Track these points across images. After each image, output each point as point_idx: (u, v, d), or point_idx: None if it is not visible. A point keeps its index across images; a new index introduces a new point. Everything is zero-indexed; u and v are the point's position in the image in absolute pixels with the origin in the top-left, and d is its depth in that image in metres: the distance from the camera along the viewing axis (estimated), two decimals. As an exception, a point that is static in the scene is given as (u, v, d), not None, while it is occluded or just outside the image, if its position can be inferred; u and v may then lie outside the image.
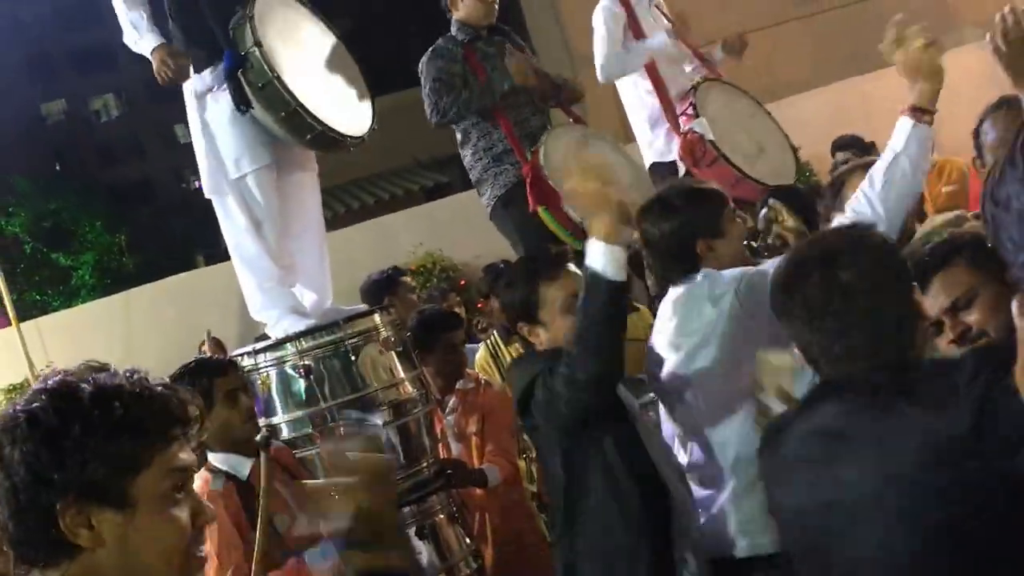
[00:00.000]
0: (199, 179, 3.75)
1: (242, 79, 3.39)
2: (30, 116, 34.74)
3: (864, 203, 2.51)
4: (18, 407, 1.32)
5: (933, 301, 2.02)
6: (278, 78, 3.34)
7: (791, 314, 1.86)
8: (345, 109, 3.68)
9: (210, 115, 3.57)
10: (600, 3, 5.02)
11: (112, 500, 1.30)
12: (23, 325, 8.64)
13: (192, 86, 3.61)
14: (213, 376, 2.93)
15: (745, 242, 2.90)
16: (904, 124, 2.54)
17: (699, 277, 2.65)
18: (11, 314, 8.51)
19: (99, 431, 1.30)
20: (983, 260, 1.97)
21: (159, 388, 1.36)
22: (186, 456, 1.37)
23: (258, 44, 3.35)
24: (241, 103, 3.42)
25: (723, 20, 10.71)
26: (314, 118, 3.40)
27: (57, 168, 31.41)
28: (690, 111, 4.54)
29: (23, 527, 1.30)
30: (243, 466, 2.92)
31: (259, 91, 3.38)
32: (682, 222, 2.68)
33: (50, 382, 1.34)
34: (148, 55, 3.61)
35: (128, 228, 23.26)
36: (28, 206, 20.78)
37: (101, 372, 1.36)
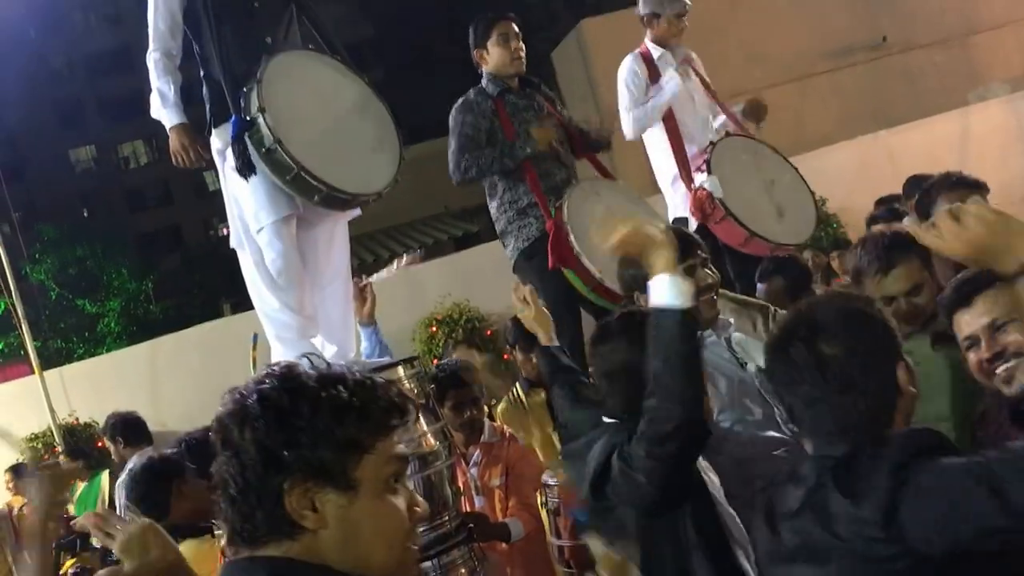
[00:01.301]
0: (227, 227, 3.77)
1: (248, 143, 3.42)
2: (59, 162, 35.37)
3: None
4: (243, 392, 1.35)
5: (972, 320, 2.11)
6: (280, 142, 3.34)
7: (775, 377, 1.94)
8: (366, 164, 3.65)
9: (230, 168, 3.57)
10: (625, 62, 5.08)
11: (337, 482, 1.33)
12: (46, 373, 8.66)
13: (216, 143, 3.65)
14: None
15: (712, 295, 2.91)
16: None
17: None
18: (34, 362, 8.55)
19: (327, 413, 1.32)
20: None
21: (380, 379, 1.41)
22: (403, 446, 1.40)
23: (262, 110, 3.36)
24: (244, 169, 3.44)
25: (750, 74, 10.79)
26: (319, 180, 3.38)
27: (84, 214, 31.85)
28: (704, 167, 4.55)
29: (247, 507, 1.32)
30: None
31: (265, 155, 3.39)
32: (629, 273, 2.82)
33: (275, 368, 1.37)
34: (167, 127, 3.69)
35: (155, 275, 23.52)
36: (55, 253, 21.11)
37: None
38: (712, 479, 2.48)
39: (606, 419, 2.46)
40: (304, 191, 3.42)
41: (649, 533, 2.30)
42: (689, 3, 5.10)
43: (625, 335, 2.40)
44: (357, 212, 3.82)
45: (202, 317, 13.69)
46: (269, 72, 3.46)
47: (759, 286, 4.55)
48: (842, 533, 1.71)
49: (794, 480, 1.87)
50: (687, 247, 2.85)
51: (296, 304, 3.57)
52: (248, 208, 3.56)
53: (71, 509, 6.76)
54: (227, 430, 1.34)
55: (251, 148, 3.41)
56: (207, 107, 3.68)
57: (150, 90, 3.74)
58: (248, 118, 3.40)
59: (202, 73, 3.69)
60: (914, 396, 1.86)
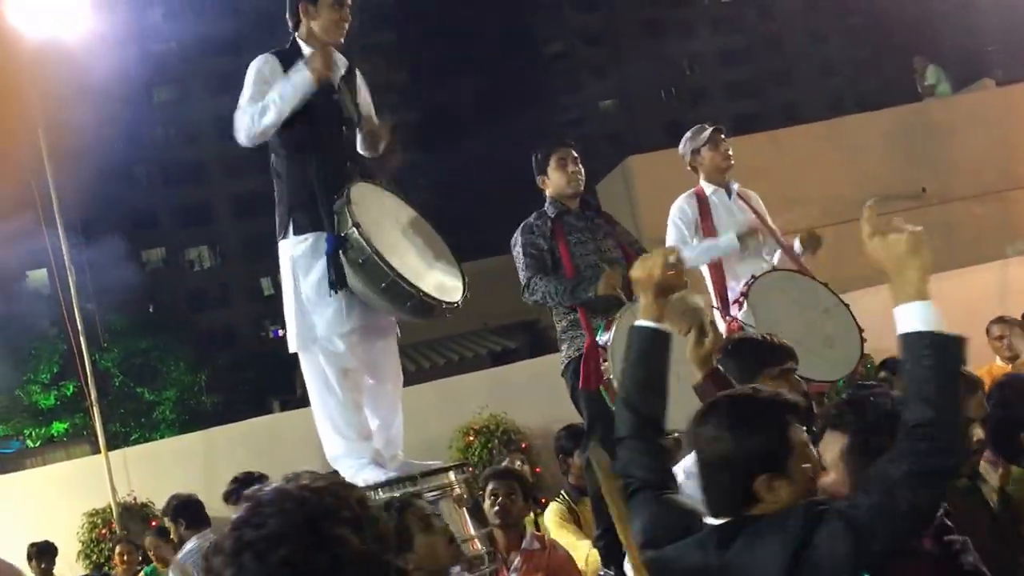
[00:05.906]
0: (277, 329, 4.07)
1: (343, 259, 3.70)
2: (132, 262, 37.22)
3: None
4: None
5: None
6: (376, 252, 3.63)
7: None
8: (437, 277, 3.98)
9: (302, 278, 3.85)
10: (676, 201, 5.38)
11: None
12: (111, 454, 9.03)
13: (289, 250, 3.92)
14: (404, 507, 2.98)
15: None
16: None
17: None
18: (101, 443, 8.99)
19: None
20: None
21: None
22: None
23: (357, 225, 3.68)
24: (336, 282, 3.71)
25: (790, 216, 11.07)
26: (412, 286, 3.69)
27: (150, 310, 33.21)
28: (742, 299, 4.74)
29: None
30: None
31: (359, 267, 3.67)
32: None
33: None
34: (306, 84, 3.82)
35: (209, 370, 24.37)
36: (122, 343, 22.11)
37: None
38: None
39: (709, 520, 2.18)
40: (396, 298, 3.70)
41: None
42: (707, 137, 5.31)
43: (728, 421, 2.15)
44: (396, 335, 4.14)
45: (249, 412, 14.14)
46: (354, 195, 3.82)
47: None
48: None
49: None
50: (774, 356, 3.03)
51: (355, 407, 3.83)
52: (320, 317, 3.80)
53: None
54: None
55: (345, 262, 3.71)
56: (280, 216, 3.94)
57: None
58: (343, 235, 3.70)
59: (287, 187, 3.94)
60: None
